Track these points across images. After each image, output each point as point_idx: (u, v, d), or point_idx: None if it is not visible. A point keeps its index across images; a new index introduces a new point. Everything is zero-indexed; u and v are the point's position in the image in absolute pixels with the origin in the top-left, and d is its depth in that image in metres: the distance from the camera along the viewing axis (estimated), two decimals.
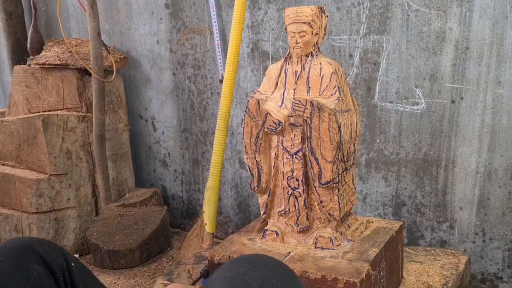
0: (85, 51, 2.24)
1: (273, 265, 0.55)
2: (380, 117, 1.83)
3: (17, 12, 2.77)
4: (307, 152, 1.00)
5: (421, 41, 1.70)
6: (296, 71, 1.02)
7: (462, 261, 1.37)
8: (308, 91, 1.01)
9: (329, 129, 0.96)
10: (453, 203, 1.77)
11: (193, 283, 0.96)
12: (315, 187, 1.01)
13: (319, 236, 1.03)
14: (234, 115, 2.15)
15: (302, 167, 1.01)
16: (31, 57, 2.33)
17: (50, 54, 2.25)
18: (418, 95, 1.75)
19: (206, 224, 1.82)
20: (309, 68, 1.01)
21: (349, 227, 1.08)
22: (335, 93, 0.99)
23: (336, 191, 1.00)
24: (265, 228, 1.10)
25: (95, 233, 2.08)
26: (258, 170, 1.05)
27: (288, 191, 1.04)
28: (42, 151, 2.10)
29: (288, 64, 1.03)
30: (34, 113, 2.26)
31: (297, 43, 1.00)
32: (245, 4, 1.79)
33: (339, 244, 1.02)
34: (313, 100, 0.96)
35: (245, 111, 1.03)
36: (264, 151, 1.04)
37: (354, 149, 1.05)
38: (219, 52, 2.12)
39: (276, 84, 1.04)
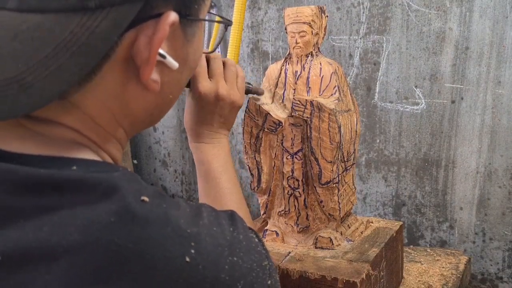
0: None
1: None
2: (380, 117, 1.83)
3: None
4: (307, 152, 1.00)
5: (421, 41, 1.70)
6: (296, 71, 1.02)
7: (462, 261, 1.37)
8: (308, 91, 1.01)
9: (329, 129, 0.96)
10: (453, 203, 1.77)
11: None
12: (315, 187, 1.01)
13: (319, 236, 1.03)
14: None
15: (302, 167, 1.01)
16: None
17: None
18: (418, 95, 1.75)
19: None
20: (309, 68, 1.01)
21: (349, 227, 1.08)
22: (335, 93, 0.99)
23: (336, 191, 1.00)
24: (265, 228, 1.10)
25: None
26: (258, 170, 1.05)
27: (288, 191, 1.04)
28: None
29: (288, 64, 1.03)
30: None
31: (297, 43, 1.00)
32: (245, 4, 1.79)
33: (339, 244, 1.02)
34: (313, 100, 0.96)
35: (245, 111, 1.03)
36: (264, 151, 1.04)
37: (354, 149, 1.05)
38: (219, 52, 2.12)
39: (276, 84, 1.04)
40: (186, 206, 0.47)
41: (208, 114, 0.78)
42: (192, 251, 0.42)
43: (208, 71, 0.76)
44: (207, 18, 0.54)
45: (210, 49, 0.67)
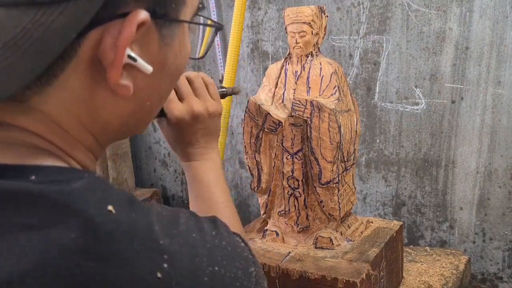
0: None
1: None
2: (380, 117, 1.83)
3: None
4: (307, 152, 1.00)
5: (421, 41, 1.70)
6: (296, 71, 1.02)
7: (462, 261, 1.38)
8: (308, 91, 1.01)
9: (329, 129, 0.96)
10: (453, 203, 1.77)
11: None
12: (315, 187, 1.01)
13: (319, 236, 1.03)
14: (234, 115, 2.15)
15: (302, 167, 1.01)
16: None
17: None
18: (418, 95, 1.75)
19: None
20: (309, 68, 1.01)
21: (349, 227, 1.08)
22: (335, 93, 0.99)
23: (336, 191, 1.00)
24: (265, 228, 1.10)
25: None
26: (258, 170, 1.05)
27: (288, 191, 1.04)
28: None
29: (288, 64, 1.03)
30: None
31: (297, 43, 1.00)
32: (245, 4, 1.79)
33: (339, 244, 1.03)
34: (313, 100, 0.96)
35: (245, 111, 1.03)
36: (264, 151, 1.04)
37: (354, 149, 1.05)
38: (219, 52, 2.12)
39: (276, 84, 1.04)
40: (161, 211, 0.43)
41: (191, 136, 0.76)
42: (165, 265, 0.38)
43: (176, 94, 0.74)
44: (195, 20, 0.51)
45: (200, 54, 0.64)
